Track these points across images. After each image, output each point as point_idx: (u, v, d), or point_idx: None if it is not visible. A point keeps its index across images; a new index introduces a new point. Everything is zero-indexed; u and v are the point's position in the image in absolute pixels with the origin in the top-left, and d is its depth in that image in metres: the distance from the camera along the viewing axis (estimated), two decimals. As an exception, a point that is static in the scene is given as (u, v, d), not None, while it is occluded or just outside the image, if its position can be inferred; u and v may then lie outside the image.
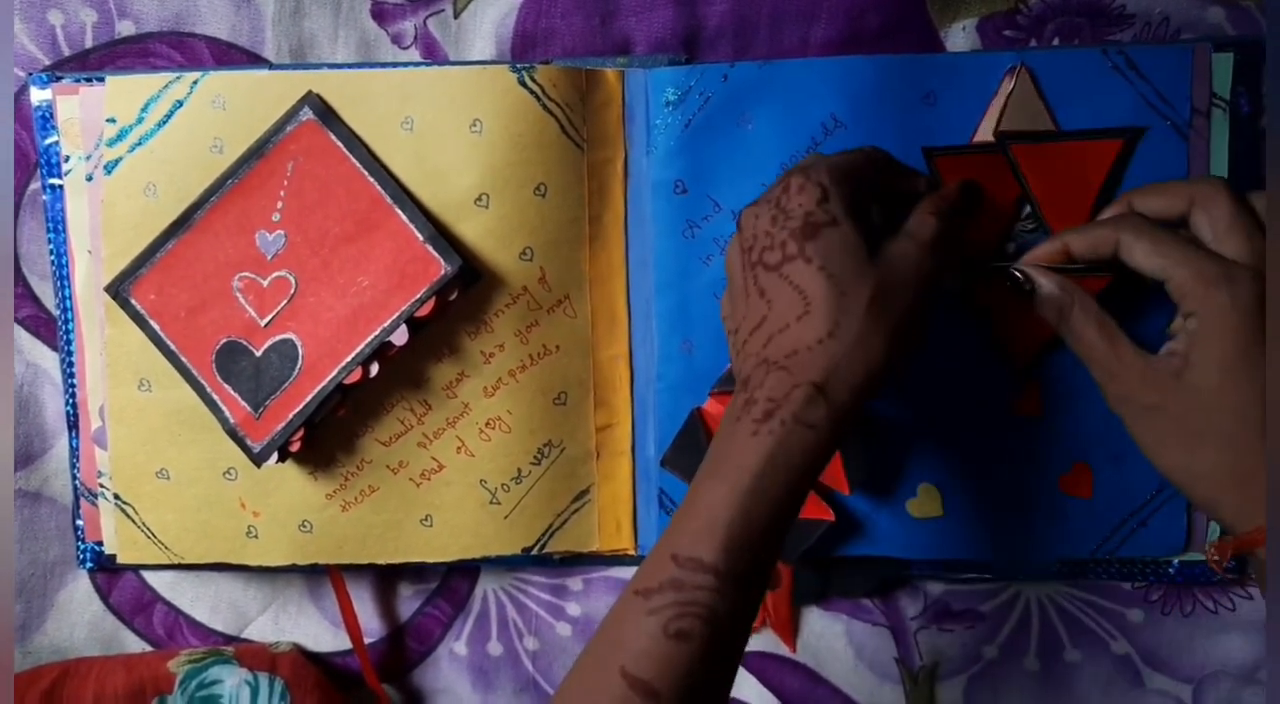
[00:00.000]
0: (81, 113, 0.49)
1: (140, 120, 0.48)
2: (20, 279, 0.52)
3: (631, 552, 0.50)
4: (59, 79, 0.50)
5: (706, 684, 0.33)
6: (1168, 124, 0.45)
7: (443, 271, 0.46)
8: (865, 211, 0.38)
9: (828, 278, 0.35)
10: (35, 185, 0.51)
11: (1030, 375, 0.46)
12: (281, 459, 0.47)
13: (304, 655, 0.53)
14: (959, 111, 0.45)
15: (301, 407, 0.47)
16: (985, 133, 0.45)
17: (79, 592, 0.54)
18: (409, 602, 0.53)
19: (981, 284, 0.45)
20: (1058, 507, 0.47)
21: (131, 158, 0.48)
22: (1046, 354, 0.46)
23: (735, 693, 0.51)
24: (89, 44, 0.50)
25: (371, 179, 0.46)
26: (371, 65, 0.49)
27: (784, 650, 0.50)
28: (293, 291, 0.47)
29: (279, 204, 0.47)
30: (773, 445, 0.34)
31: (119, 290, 0.48)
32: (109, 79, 0.49)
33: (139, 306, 0.48)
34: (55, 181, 0.50)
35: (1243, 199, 0.39)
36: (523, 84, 0.46)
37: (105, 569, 0.53)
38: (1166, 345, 0.38)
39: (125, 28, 0.50)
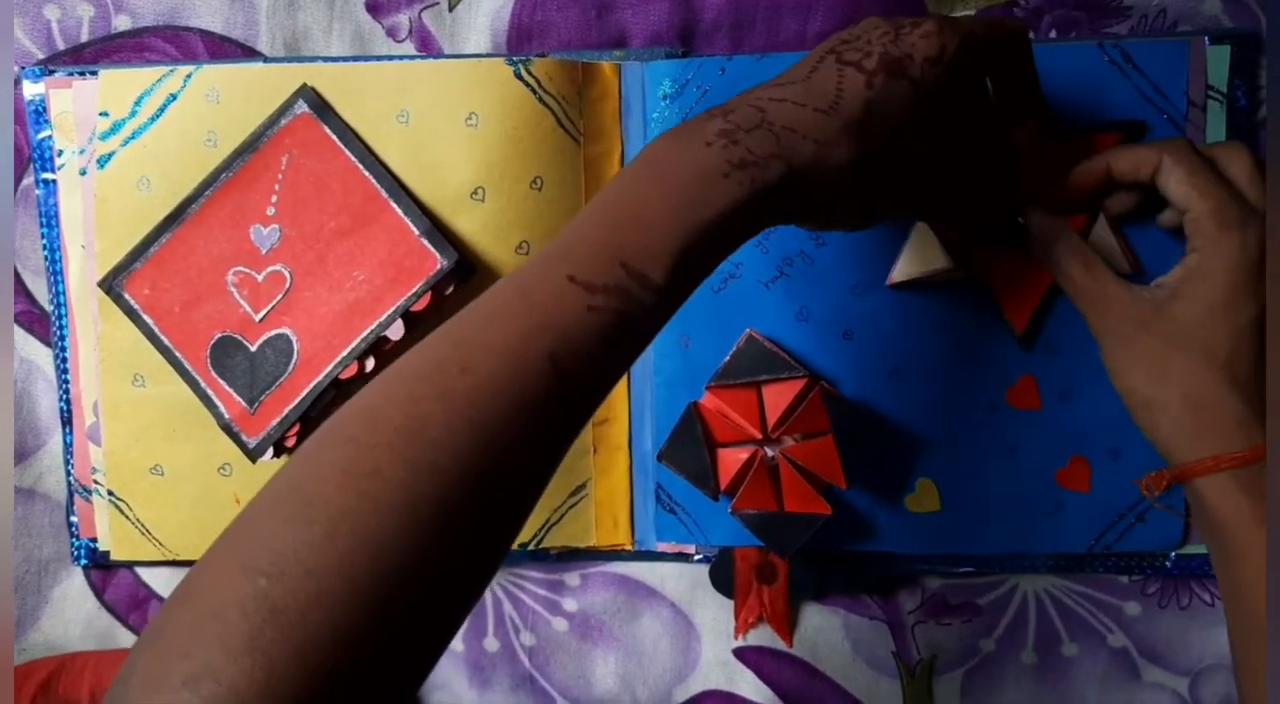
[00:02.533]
0: (75, 107, 0.49)
1: (133, 114, 0.48)
2: (14, 274, 0.52)
3: (629, 547, 0.50)
4: (52, 73, 0.50)
5: (611, 382, 0.33)
6: (1164, 118, 0.44)
7: (439, 265, 0.45)
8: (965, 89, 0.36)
9: (867, 107, 0.34)
10: (28, 180, 0.51)
11: (1028, 344, 0.46)
12: (277, 454, 0.47)
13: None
14: (956, 104, 0.45)
15: (297, 402, 0.47)
16: (982, 126, 0.45)
17: (73, 589, 0.53)
18: (405, 597, 0.53)
19: (978, 239, 0.45)
20: (1055, 501, 0.47)
21: (125, 152, 0.48)
22: (1043, 319, 0.46)
23: (731, 687, 0.51)
24: (85, 38, 0.50)
25: (367, 173, 0.46)
26: (366, 58, 0.49)
27: (781, 645, 0.50)
28: (288, 286, 0.47)
29: (274, 198, 0.47)
30: (744, 197, 0.32)
31: (112, 285, 0.48)
32: (102, 72, 0.48)
33: (133, 301, 0.48)
34: (48, 176, 0.50)
35: (1204, 156, 0.40)
36: (519, 77, 0.46)
37: (100, 566, 0.53)
38: (1156, 280, 0.41)
39: (121, 22, 0.50)
